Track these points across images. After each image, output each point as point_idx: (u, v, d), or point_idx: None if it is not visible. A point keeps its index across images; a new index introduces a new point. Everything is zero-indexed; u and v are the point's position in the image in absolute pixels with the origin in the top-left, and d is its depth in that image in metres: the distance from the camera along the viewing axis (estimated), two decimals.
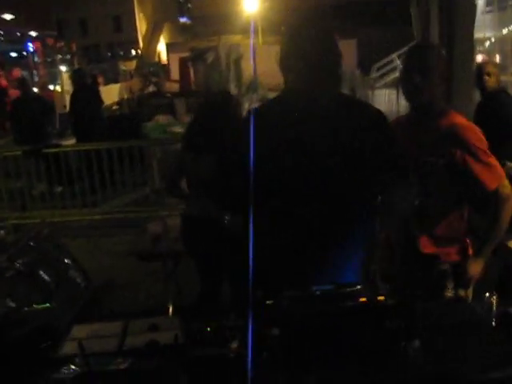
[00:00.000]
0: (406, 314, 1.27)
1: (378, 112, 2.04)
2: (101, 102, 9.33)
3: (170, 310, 3.83)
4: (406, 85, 2.43)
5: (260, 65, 20.02)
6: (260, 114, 1.97)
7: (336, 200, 1.90)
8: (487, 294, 1.57)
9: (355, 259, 1.88)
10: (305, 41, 1.89)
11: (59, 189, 7.58)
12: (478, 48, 7.75)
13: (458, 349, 1.33)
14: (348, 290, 1.42)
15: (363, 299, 1.37)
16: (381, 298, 1.35)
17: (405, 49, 20.89)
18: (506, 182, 2.38)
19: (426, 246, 2.42)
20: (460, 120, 2.42)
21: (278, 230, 1.88)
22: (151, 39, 38.95)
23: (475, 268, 2.38)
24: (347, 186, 1.91)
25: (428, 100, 2.40)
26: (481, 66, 4.88)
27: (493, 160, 2.36)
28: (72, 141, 8.94)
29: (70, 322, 2.34)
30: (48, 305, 2.59)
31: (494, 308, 1.55)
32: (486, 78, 4.73)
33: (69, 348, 1.58)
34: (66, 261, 4.74)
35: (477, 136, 2.36)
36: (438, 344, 1.31)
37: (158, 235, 4.57)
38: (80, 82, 9.07)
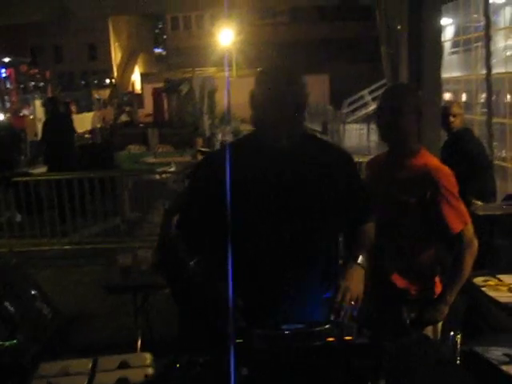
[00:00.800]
0: (373, 353, 1.30)
1: (344, 152, 2.16)
2: (73, 130, 9.29)
3: (139, 344, 3.79)
4: (380, 123, 2.49)
5: (234, 97, 20.20)
6: (224, 154, 1.99)
7: (301, 237, 1.94)
8: (452, 333, 1.60)
9: (322, 295, 1.91)
10: (272, 82, 1.93)
11: (19, 218, 7.48)
12: (445, 87, 8.01)
13: None
14: (317, 329, 1.44)
15: (331, 339, 1.40)
16: (348, 337, 1.38)
17: (376, 85, 21.31)
18: (471, 226, 2.44)
19: (398, 280, 2.47)
20: (433, 161, 2.49)
21: (244, 268, 1.89)
22: (125, 69, 39.08)
23: (435, 314, 2.42)
24: (312, 223, 1.96)
25: (401, 139, 2.45)
26: (446, 108, 5.02)
27: (461, 204, 2.42)
28: (43, 169, 8.85)
29: (37, 356, 2.30)
30: (15, 341, 2.52)
31: (459, 346, 1.59)
32: (452, 119, 4.86)
33: None
34: (32, 292, 4.65)
35: (448, 178, 2.41)
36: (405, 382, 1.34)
37: (127, 267, 4.52)
38: (53, 110, 9.02)
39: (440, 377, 1.39)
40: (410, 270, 2.48)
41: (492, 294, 2.88)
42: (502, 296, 2.83)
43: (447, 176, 2.42)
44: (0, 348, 2.33)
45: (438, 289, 2.51)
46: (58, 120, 8.88)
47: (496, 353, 1.83)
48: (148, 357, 1.84)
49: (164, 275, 3.71)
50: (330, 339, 1.40)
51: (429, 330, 2.36)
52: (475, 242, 2.44)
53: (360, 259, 2.03)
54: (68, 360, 1.79)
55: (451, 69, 8.78)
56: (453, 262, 2.43)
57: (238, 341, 1.42)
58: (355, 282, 1.94)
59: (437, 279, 2.54)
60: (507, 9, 6.40)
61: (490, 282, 2.99)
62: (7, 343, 2.46)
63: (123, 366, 1.73)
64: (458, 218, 2.40)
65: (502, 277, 3.04)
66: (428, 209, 2.39)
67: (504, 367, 1.72)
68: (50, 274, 5.92)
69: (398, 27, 5.99)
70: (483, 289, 2.94)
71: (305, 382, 1.30)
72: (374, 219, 2.19)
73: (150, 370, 1.71)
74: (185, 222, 2.13)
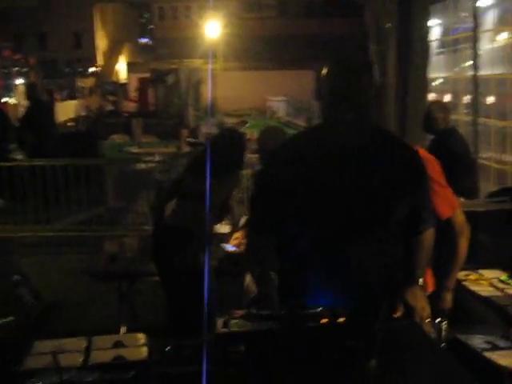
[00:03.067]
0: (365, 334, 1.35)
1: (414, 153, 2.04)
2: (52, 119, 9.18)
3: (122, 331, 3.79)
4: None
5: (219, 90, 20.22)
6: (294, 148, 1.99)
7: (369, 238, 1.90)
8: (438, 320, 1.66)
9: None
10: (344, 74, 1.85)
11: (2, 203, 7.41)
12: (432, 87, 8.12)
13: (412, 367, 1.41)
14: (310, 311, 1.48)
15: (325, 320, 1.45)
16: (341, 319, 1.43)
17: None
18: (460, 212, 2.52)
19: None
20: (421, 152, 2.56)
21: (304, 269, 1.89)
22: (111, 58, 38.73)
23: (441, 303, 2.44)
24: (381, 224, 1.91)
25: None
26: (429, 110, 5.01)
27: (447, 191, 2.49)
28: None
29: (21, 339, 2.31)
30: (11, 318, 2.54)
31: (444, 333, 1.64)
32: (434, 118, 4.87)
33: (32, 363, 1.57)
34: (14, 277, 4.64)
35: (434, 167, 2.49)
36: (393, 363, 1.39)
37: (114, 254, 4.53)
38: (34, 97, 8.91)
39: (427, 358, 1.44)
40: None
41: (473, 288, 2.96)
42: (483, 290, 2.91)
43: (433, 165, 2.49)
44: None
45: (430, 281, 2.56)
46: (39, 107, 8.79)
47: (478, 340, 1.89)
48: (142, 337, 1.87)
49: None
50: (323, 321, 1.45)
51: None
52: (467, 227, 2.51)
53: (419, 280, 1.95)
54: (62, 339, 1.81)
55: (439, 69, 8.89)
56: (448, 249, 2.49)
57: (233, 321, 1.47)
58: (423, 303, 1.88)
59: (428, 271, 2.60)
60: (494, 11, 6.50)
61: (472, 277, 3.07)
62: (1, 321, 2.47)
63: (118, 345, 1.77)
64: (446, 205, 2.46)
65: (483, 271, 3.12)
66: None
67: (486, 354, 1.79)
68: (33, 260, 5.88)
69: (388, 25, 6.06)
70: (464, 283, 3.01)
71: (298, 363, 1.35)
72: (434, 224, 2.09)
73: (145, 350, 1.74)
74: (264, 225, 2.01)
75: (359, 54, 2.12)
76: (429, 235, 2.05)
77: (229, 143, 3.63)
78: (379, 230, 1.90)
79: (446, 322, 1.65)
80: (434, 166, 2.49)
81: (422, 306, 1.86)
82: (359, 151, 1.87)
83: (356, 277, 1.84)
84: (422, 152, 2.53)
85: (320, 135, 1.95)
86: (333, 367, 1.32)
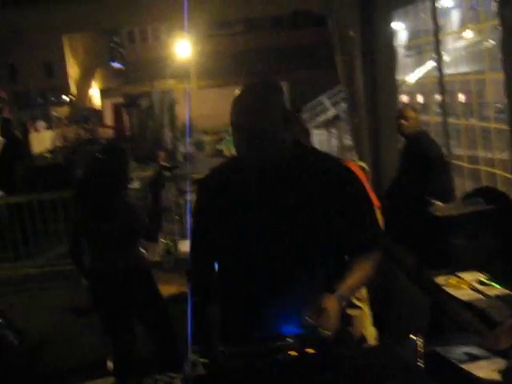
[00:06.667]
0: (334, 364, 1.33)
1: (340, 168, 1.98)
2: (28, 152, 9.10)
3: (108, 365, 3.75)
4: None
5: (194, 108, 20.23)
6: (213, 180, 2.03)
7: (299, 258, 1.87)
8: (412, 336, 1.64)
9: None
10: (246, 99, 1.83)
11: None
12: (401, 89, 8.22)
13: None
14: (278, 343, 1.45)
15: (293, 352, 1.42)
16: (309, 350, 1.41)
17: (334, 91, 21.44)
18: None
19: None
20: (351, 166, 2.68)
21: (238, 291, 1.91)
22: (83, 85, 38.63)
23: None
24: (311, 244, 1.88)
25: None
26: (399, 111, 5.05)
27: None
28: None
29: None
30: None
31: (421, 350, 1.63)
32: (404, 122, 4.90)
33: None
34: None
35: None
36: None
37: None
38: (7, 133, 8.84)
39: (402, 382, 1.42)
40: None
41: (454, 292, 2.96)
42: (464, 294, 2.91)
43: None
44: None
45: None
46: (12, 143, 8.73)
47: (457, 351, 1.88)
48: (111, 381, 1.83)
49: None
50: (292, 353, 1.42)
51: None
52: None
53: (342, 291, 1.77)
54: None
55: (406, 71, 9.00)
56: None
57: (202, 360, 1.44)
58: (332, 310, 1.64)
59: None
60: (454, 12, 6.60)
61: (451, 281, 3.06)
62: None
63: None
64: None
65: (462, 274, 3.12)
66: None
67: (464, 366, 1.78)
68: (15, 299, 5.79)
69: (351, 34, 6.10)
70: (445, 287, 3.01)
71: None
72: (381, 248, 1.99)
73: None
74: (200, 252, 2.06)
75: (269, 80, 2.11)
76: (370, 260, 1.93)
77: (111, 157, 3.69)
78: (308, 245, 1.87)
79: (421, 338, 1.63)
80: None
81: (329, 316, 1.61)
82: (276, 171, 1.87)
83: (291, 297, 1.77)
84: (353, 165, 2.68)
85: (238, 162, 1.94)
86: None
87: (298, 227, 1.85)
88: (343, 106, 16.13)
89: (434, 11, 5.12)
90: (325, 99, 21.12)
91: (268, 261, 1.86)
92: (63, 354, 4.55)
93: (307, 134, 3.43)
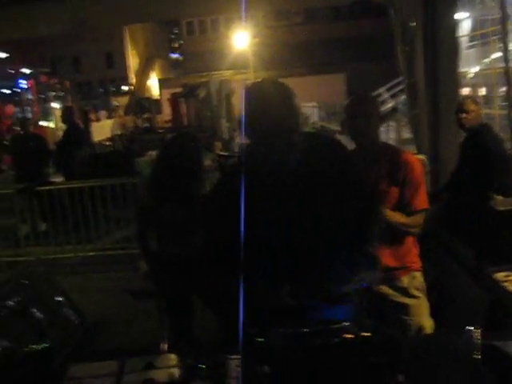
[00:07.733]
0: (391, 349, 1.32)
1: (338, 151, 2.11)
2: (88, 139, 9.43)
3: (164, 347, 3.83)
4: (352, 129, 2.87)
5: None
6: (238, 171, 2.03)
7: (322, 237, 1.89)
8: (470, 328, 1.61)
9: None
10: (259, 97, 2.02)
11: (44, 227, 7.61)
12: (463, 81, 7.96)
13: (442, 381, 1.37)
14: (335, 326, 1.46)
15: (349, 335, 1.42)
16: (366, 334, 1.40)
17: (393, 82, 21.02)
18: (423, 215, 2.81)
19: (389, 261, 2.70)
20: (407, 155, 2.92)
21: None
22: (143, 75, 39.39)
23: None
24: (332, 226, 1.91)
25: (371, 141, 2.85)
26: (459, 104, 4.88)
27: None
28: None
29: (65, 361, 2.36)
30: (46, 345, 2.59)
31: (478, 341, 1.60)
32: (464, 115, 4.73)
33: None
34: (59, 299, 4.73)
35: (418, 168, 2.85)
36: (422, 378, 1.36)
37: (149, 272, 4.57)
38: (69, 120, 9.16)
39: (458, 371, 1.40)
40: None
41: None
42: None
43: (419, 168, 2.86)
44: (32, 352, 2.40)
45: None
46: (74, 130, 9.04)
47: None
48: (173, 357, 1.88)
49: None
50: (348, 336, 1.43)
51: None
52: (419, 227, 2.81)
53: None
54: (95, 362, 1.84)
55: (470, 62, 8.72)
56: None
57: (258, 340, 1.46)
58: None
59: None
60: None
61: None
62: (39, 347, 2.53)
63: (149, 367, 1.78)
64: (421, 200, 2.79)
65: None
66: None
67: None
68: (76, 280, 6.00)
69: (413, 24, 5.97)
70: (505, 284, 2.93)
71: (324, 380, 1.33)
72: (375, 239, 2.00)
73: (176, 371, 1.76)
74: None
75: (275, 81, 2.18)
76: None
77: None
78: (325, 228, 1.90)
79: (479, 329, 1.60)
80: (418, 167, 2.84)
81: None
82: (289, 162, 1.93)
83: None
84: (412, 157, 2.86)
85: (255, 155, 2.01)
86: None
87: (317, 216, 1.90)
88: (402, 98, 15.81)
89: None
90: (383, 91, 20.76)
91: (292, 247, 1.87)
92: (119, 335, 4.68)
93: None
